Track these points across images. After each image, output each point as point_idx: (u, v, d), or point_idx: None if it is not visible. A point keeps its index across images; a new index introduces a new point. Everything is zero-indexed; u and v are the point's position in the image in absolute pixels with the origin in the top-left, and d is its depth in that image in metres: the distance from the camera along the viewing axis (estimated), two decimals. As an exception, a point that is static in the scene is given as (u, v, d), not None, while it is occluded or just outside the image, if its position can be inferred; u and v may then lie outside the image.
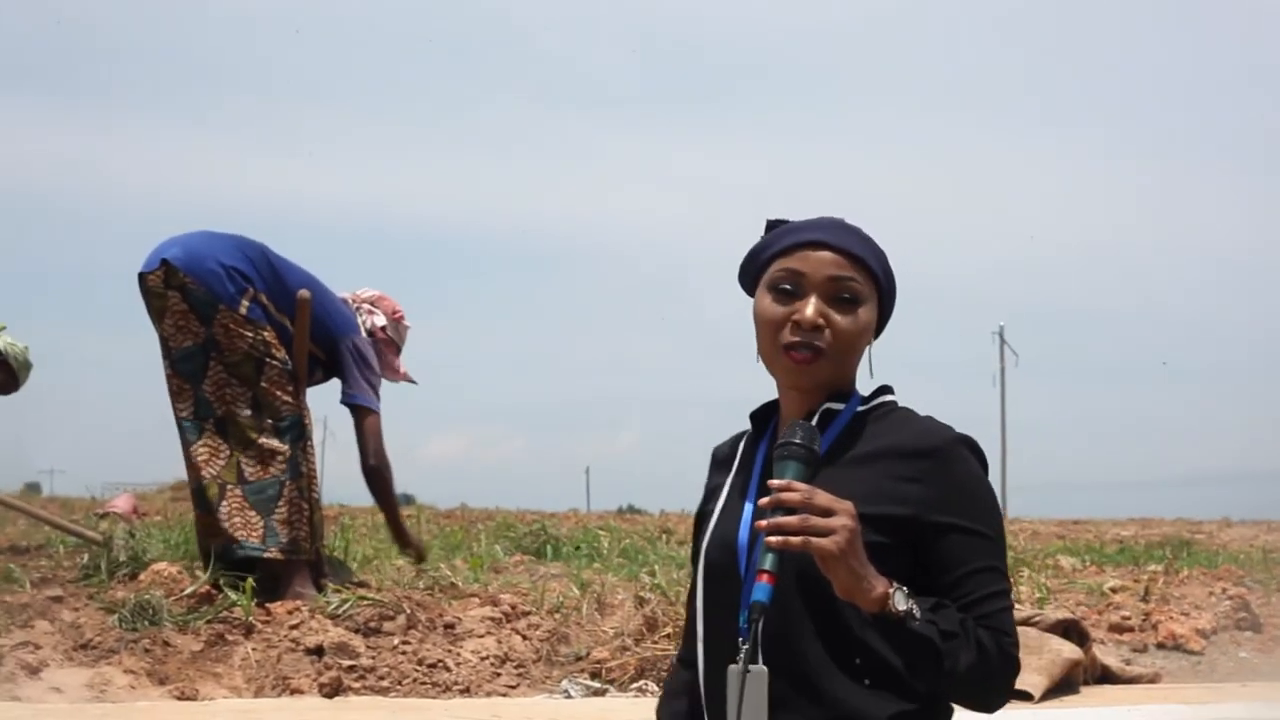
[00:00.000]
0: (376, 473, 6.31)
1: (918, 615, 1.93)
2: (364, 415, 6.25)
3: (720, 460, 2.30)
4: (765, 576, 1.89)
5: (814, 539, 1.87)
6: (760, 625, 1.93)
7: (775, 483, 1.92)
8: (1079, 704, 5.62)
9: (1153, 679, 6.28)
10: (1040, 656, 5.56)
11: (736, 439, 2.30)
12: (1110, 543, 13.15)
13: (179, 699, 5.00)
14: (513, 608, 6.04)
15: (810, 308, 2.11)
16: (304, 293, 5.90)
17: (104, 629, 5.30)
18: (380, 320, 6.54)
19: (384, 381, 6.52)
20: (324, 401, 6.38)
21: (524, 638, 5.79)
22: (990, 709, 2.05)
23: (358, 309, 6.47)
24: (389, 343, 6.53)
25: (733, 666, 1.98)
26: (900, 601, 1.92)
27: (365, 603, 5.65)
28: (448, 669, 5.42)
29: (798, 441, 1.98)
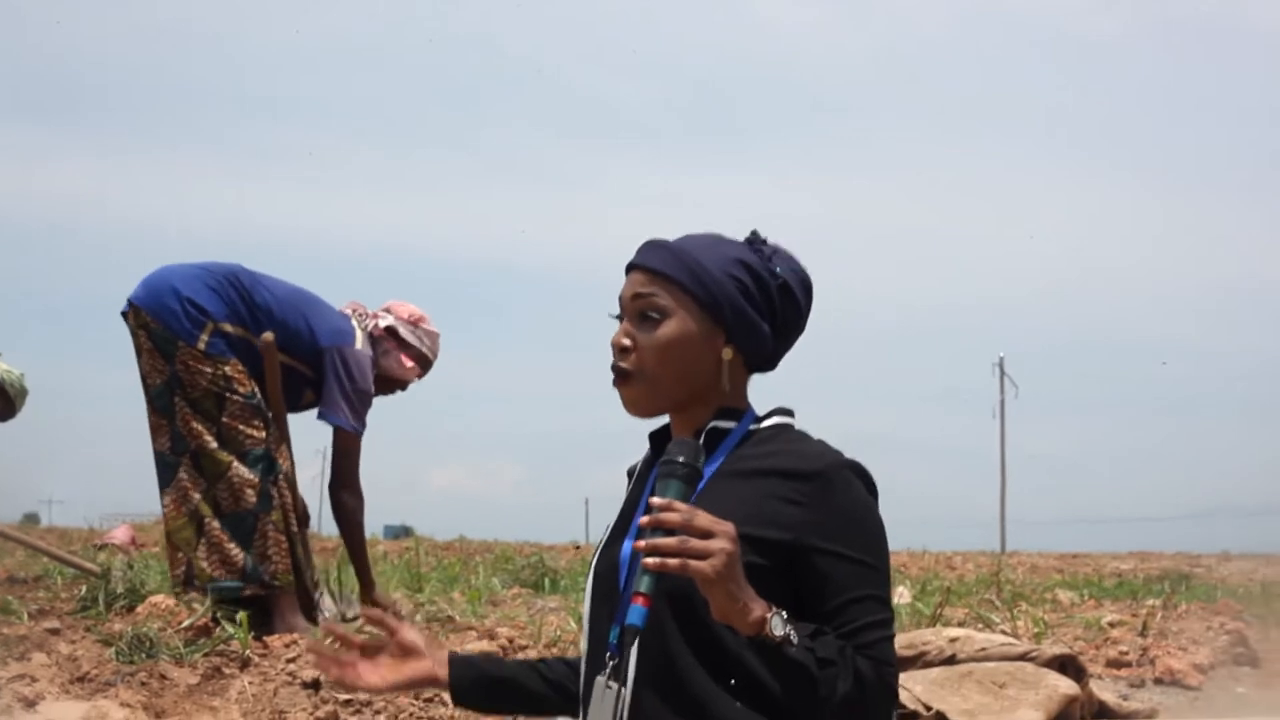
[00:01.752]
0: (339, 502, 6.17)
1: (795, 641, 1.90)
2: (339, 435, 6.07)
3: (630, 478, 2.31)
4: (640, 599, 1.87)
5: (692, 561, 1.83)
6: (634, 647, 1.92)
7: (656, 501, 1.89)
8: (1076, 740, 5.60)
9: (1149, 715, 6.26)
10: (1037, 692, 5.55)
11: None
12: (1109, 576, 13.15)
13: (175, 732, 4.99)
14: (510, 641, 6.03)
15: (618, 332, 2.15)
16: (267, 336, 5.78)
17: (101, 661, 5.30)
18: (387, 321, 6.26)
19: (399, 391, 6.31)
20: (322, 431, 6.25)
21: (521, 671, 5.78)
22: None
23: (358, 315, 6.22)
24: (401, 344, 6.25)
25: (598, 678, 2.00)
26: (778, 626, 1.89)
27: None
28: (444, 703, 5.41)
29: (680, 460, 1.95)
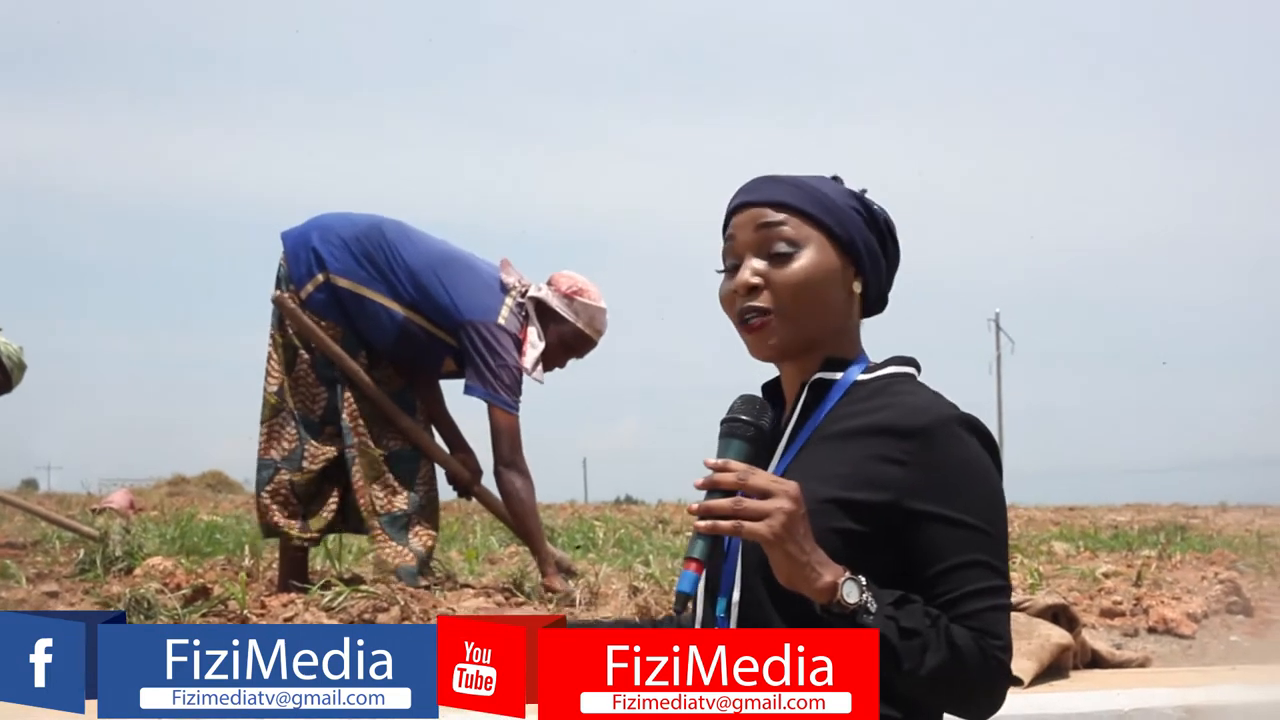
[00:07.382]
0: (502, 482, 5.80)
1: (872, 610, 1.74)
2: (491, 411, 5.70)
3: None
4: (692, 565, 1.76)
5: (746, 523, 1.71)
6: (685, 615, 1.82)
7: (710, 461, 1.76)
8: (1068, 688, 5.64)
9: (1142, 663, 6.30)
10: (1029, 641, 5.59)
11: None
12: (1105, 528, 13.17)
13: (174, 692, 5.02)
14: (506, 599, 6.06)
15: (745, 271, 1.94)
16: (275, 294, 5.64)
17: (99, 624, 5.32)
18: (540, 293, 5.76)
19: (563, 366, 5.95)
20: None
21: (517, 628, 5.81)
22: (974, 718, 1.85)
23: (515, 287, 5.76)
24: (543, 318, 5.77)
25: None
26: (851, 593, 1.74)
27: (359, 595, 5.68)
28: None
29: (743, 418, 1.84)
